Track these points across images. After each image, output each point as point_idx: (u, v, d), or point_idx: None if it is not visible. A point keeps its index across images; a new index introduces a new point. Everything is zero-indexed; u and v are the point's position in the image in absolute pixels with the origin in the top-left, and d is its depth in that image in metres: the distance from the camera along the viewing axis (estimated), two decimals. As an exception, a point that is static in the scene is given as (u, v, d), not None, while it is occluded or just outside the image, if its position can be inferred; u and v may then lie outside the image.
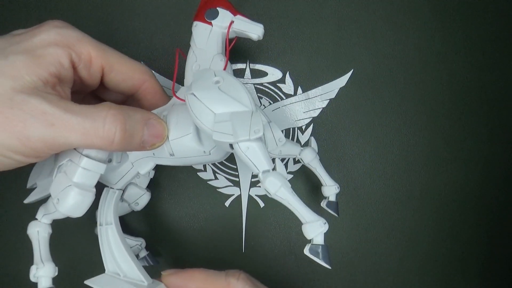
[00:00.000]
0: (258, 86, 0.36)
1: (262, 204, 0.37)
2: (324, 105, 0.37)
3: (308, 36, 0.36)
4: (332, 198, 0.33)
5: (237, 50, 0.36)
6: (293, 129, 0.37)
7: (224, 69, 0.27)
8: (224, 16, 0.28)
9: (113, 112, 0.23)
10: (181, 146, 0.27)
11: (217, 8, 0.28)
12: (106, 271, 0.29)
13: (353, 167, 0.37)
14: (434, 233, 0.38)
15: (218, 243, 0.37)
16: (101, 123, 0.23)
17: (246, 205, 0.37)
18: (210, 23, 0.28)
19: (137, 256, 0.35)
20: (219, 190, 0.37)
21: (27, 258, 0.29)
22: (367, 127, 0.37)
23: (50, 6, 0.36)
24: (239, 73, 0.37)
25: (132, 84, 0.29)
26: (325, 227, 0.24)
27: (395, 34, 0.37)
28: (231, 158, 0.37)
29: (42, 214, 0.28)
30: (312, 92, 0.36)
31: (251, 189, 0.37)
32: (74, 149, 0.26)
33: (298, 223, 0.37)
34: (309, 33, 0.36)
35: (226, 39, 0.28)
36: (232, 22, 0.28)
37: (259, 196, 0.37)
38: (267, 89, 0.36)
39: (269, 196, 0.24)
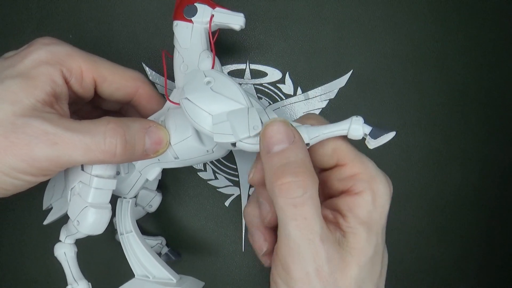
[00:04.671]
0: (257, 87, 0.36)
1: (262, 204, 0.37)
2: (323, 105, 0.37)
3: (308, 36, 0.36)
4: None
5: (237, 50, 0.36)
6: (293, 129, 0.37)
7: (212, 65, 0.27)
8: (203, 11, 0.27)
9: (112, 126, 0.24)
10: (184, 149, 0.27)
11: (195, 4, 0.27)
12: (135, 276, 0.30)
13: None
14: (434, 233, 0.38)
15: (218, 243, 0.38)
16: (101, 137, 0.24)
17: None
18: (190, 21, 0.27)
19: (159, 254, 0.35)
20: (219, 190, 0.37)
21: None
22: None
23: (51, 8, 0.36)
24: (239, 74, 0.37)
25: (126, 93, 0.29)
26: (360, 119, 0.24)
27: (395, 34, 0.37)
28: (231, 158, 0.37)
29: (65, 235, 0.29)
30: (311, 93, 0.36)
31: (251, 189, 0.37)
32: (82, 170, 0.27)
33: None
34: (309, 33, 0.36)
35: (209, 34, 0.28)
36: (212, 16, 0.27)
37: (259, 196, 0.37)
38: (266, 90, 0.37)
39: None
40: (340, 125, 0.24)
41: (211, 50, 0.28)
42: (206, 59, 0.27)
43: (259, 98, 0.37)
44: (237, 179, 0.37)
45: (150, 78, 0.36)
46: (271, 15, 0.36)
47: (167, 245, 0.36)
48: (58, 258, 0.29)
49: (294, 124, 0.24)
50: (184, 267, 0.37)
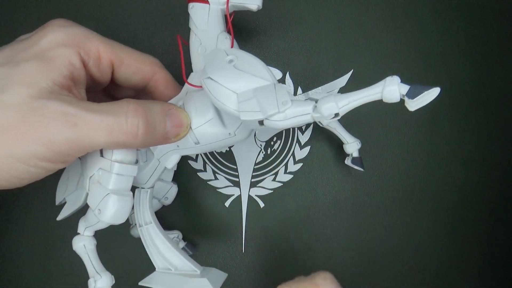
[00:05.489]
0: (258, 87, 0.36)
1: (262, 204, 0.37)
2: (324, 105, 0.37)
3: (308, 36, 0.36)
4: (356, 154, 0.33)
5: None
6: (293, 129, 0.37)
7: (232, 43, 0.27)
8: None
9: (134, 106, 0.23)
10: (205, 133, 0.26)
11: None
12: (156, 269, 0.29)
13: (353, 167, 0.37)
14: (434, 233, 0.38)
15: (218, 243, 0.37)
16: (123, 118, 0.23)
17: (246, 205, 0.37)
18: (207, 2, 0.27)
19: None
20: (219, 190, 0.37)
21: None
22: (367, 127, 0.37)
23: (50, 7, 0.36)
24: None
25: (142, 77, 0.28)
26: (396, 78, 0.22)
27: (395, 34, 0.37)
28: (231, 158, 0.37)
29: (84, 227, 0.28)
30: (312, 93, 0.36)
31: (251, 189, 0.37)
32: (101, 156, 0.26)
33: (298, 223, 0.37)
34: (309, 33, 0.36)
35: (226, 15, 0.27)
36: None
37: (259, 196, 0.37)
38: (267, 90, 0.36)
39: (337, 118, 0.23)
40: (372, 89, 0.22)
41: (229, 31, 0.27)
42: (225, 40, 0.27)
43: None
44: (237, 179, 0.37)
45: (150, 78, 0.36)
46: (271, 15, 0.36)
47: (183, 239, 0.36)
48: (77, 251, 0.28)
49: (323, 94, 0.23)
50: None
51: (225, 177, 0.37)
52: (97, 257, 0.28)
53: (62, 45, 0.23)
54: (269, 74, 0.24)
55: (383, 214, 0.37)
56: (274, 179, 0.37)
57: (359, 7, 0.36)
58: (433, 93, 0.22)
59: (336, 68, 0.36)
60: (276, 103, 0.22)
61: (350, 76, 0.36)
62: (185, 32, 0.36)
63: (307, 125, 0.37)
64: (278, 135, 0.37)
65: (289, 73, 0.36)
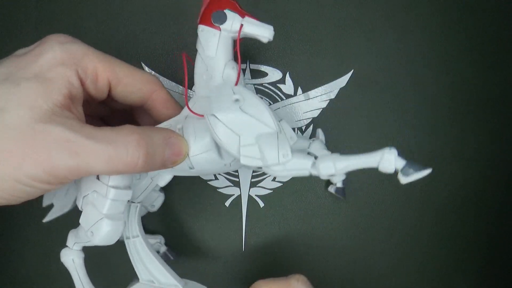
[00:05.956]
0: (258, 87, 0.36)
1: (262, 204, 0.37)
2: (324, 106, 0.37)
3: (308, 36, 0.36)
4: (339, 184, 0.34)
5: (237, 50, 0.36)
6: (293, 129, 0.37)
7: (238, 77, 0.26)
8: (233, 20, 0.26)
9: (136, 137, 0.23)
10: (201, 161, 0.26)
11: (225, 10, 0.26)
12: (140, 280, 0.30)
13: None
14: (434, 233, 0.38)
15: (218, 243, 0.37)
16: (124, 149, 0.23)
17: (246, 205, 0.37)
18: (218, 28, 0.26)
19: (157, 252, 0.35)
20: (219, 190, 0.37)
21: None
22: (367, 128, 0.37)
23: (50, 7, 0.36)
24: (239, 73, 0.36)
25: (140, 96, 0.28)
26: (393, 151, 0.23)
27: (395, 34, 0.37)
28: (231, 158, 0.37)
29: (73, 242, 0.29)
30: (312, 93, 0.36)
31: (251, 189, 0.37)
32: (97, 179, 0.26)
33: (298, 223, 0.37)
34: (309, 33, 0.36)
35: (237, 47, 0.26)
36: (241, 25, 0.26)
37: (259, 196, 0.37)
38: (267, 90, 0.36)
39: (333, 177, 0.24)
40: (371, 157, 0.23)
41: (237, 62, 0.27)
42: (231, 71, 0.26)
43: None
44: (237, 179, 0.37)
45: (150, 78, 0.36)
46: (271, 15, 0.36)
47: (165, 244, 0.36)
48: (66, 264, 0.29)
49: (324, 151, 0.24)
50: (185, 267, 0.37)
51: (225, 177, 0.37)
52: (85, 272, 0.29)
53: (61, 64, 0.23)
54: (273, 120, 0.24)
55: (383, 214, 0.37)
56: (274, 179, 0.37)
57: (359, 7, 0.36)
58: (425, 172, 0.23)
59: (336, 68, 0.36)
60: (277, 154, 0.23)
61: (350, 76, 0.36)
62: (185, 31, 0.36)
63: (307, 125, 0.37)
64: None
65: (289, 74, 0.36)
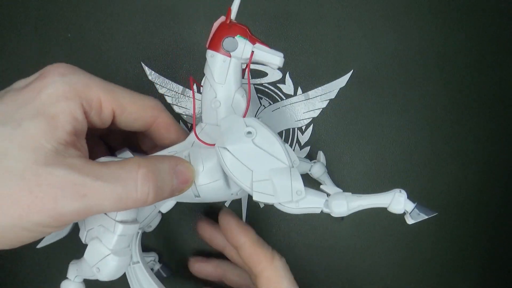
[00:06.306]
0: (258, 87, 0.36)
1: (262, 204, 0.37)
2: (324, 106, 0.37)
3: (308, 36, 0.36)
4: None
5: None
6: (293, 129, 0.37)
7: (247, 106, 0.26)
8: (244, 47, 0.25)
9: (144, 172, 0.22)
10: (208, 191, 0.26)
11: (236, 37, 0.25)
12: None
13: (353, 167, 0.37)
14: (434, 233, 0.38)
15: (218, 243, 0.37)
16: (133, 186, 0.22)
17: (246, 205, 0.37)
18: (229, 54, 0.25)
19: (151, 270, 0.35)
20: (219, 190, 0.37)
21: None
22: (367, 128, 0.37)
23: (50, 7, 0.36)
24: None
25: (144, 123, 0.27)
26: (403, 194, 0.23)
27: (395, 34, 0.37)
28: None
29: (74, 274, 0.28)
30: (312, 93, 0.36)
31: (251, 189, 0.37)
32: (105, 213, 0.25)
33: (298, 223, 0.37)
34: (309, 33, 0.36)
35: (247, 74, 0.26)
36: (252, 53, 0.25)
37: (259, 196, 0.37)
38: (267, 90, 0.36)
39: (343, 216, 0.24)
40: (382, 199, 0.23)
41: (247, 90, 0.26)
42: (241, 99, 0.26)
43: (259, 98, 0.36)
44: (237, 179, 0.37)
45: (150, 78, 0.36)
46: (271, 15, 0.36)
47: (159, 261, 0.36)
48: None
49: (335, 189, 0.24)
50: (184, 267, 0.37)
51: (225, 177, 0.37)
52: None
53: (64, 98, 0.22)
54: (286, 155, 0.23)
55: (383, 214, 0.37)
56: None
57: (359, 7, 0.36)
58: (431, 215, 0.24)
59: (336, 68, 0.36)
60: (291, 191, 0.23)
61: (351, 76, 0.36)
62: (185, 32, 0.36)
63: (307, 125, 0.37)
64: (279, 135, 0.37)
65: (289, 73, 0.36)
